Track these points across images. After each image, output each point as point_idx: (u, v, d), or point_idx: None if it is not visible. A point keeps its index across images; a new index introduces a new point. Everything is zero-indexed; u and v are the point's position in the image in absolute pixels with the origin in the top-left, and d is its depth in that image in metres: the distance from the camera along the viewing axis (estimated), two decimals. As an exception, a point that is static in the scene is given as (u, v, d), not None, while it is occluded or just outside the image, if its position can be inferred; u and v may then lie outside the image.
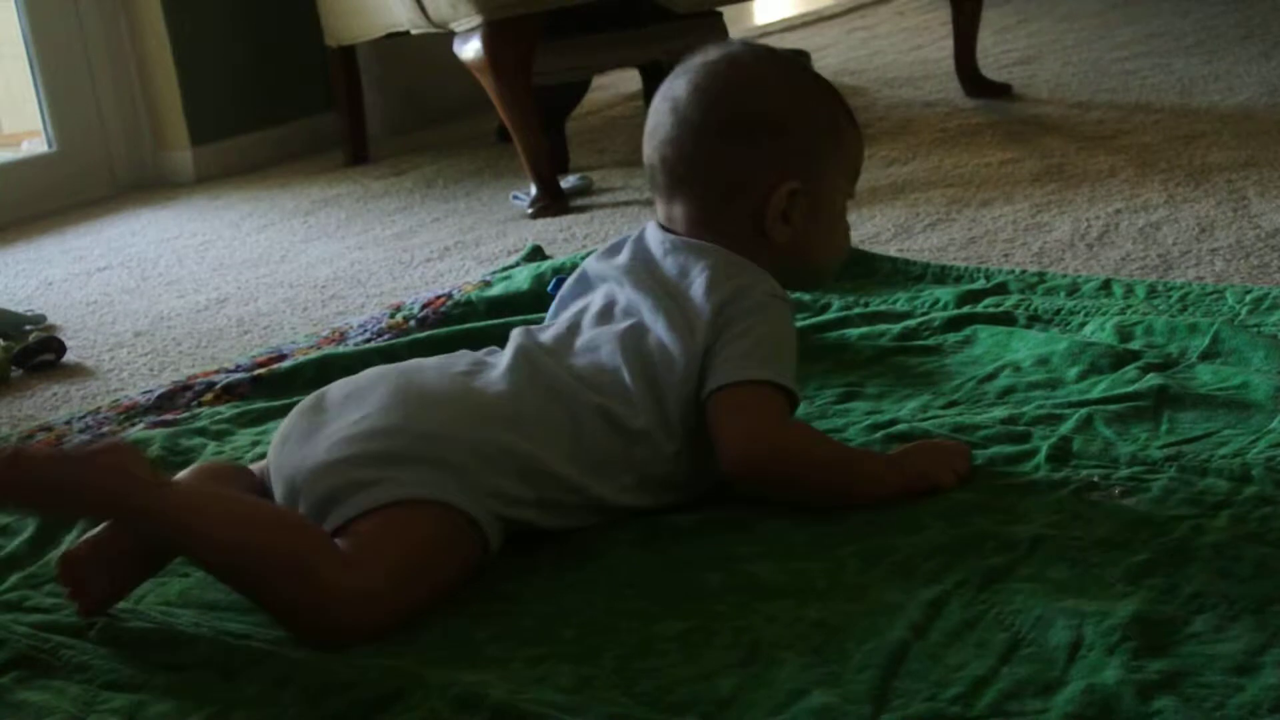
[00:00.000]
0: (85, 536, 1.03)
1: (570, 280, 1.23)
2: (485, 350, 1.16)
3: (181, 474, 1.11)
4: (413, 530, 0.99)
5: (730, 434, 1.07)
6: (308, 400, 1.10)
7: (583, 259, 1.71)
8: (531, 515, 1.05)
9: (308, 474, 1.03)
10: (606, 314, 1.15)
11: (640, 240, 1.20)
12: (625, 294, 1.15)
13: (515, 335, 1.15)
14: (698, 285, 1.12)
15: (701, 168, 1.17)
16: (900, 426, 1.20)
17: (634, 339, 1.11)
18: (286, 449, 1.06)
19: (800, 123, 1.17)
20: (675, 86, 1.20)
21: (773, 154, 1.16)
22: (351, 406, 1.07)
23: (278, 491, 1.06)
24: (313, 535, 0.99)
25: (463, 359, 1.14)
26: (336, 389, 1.10)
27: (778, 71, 1.20)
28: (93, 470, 0.97)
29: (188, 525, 0.97)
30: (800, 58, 3.02)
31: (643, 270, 1.16)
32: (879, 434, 1.19)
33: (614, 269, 1.18)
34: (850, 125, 1.21)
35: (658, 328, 1.11)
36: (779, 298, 1.13)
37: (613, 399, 1.08)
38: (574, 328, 1.15)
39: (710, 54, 1.20)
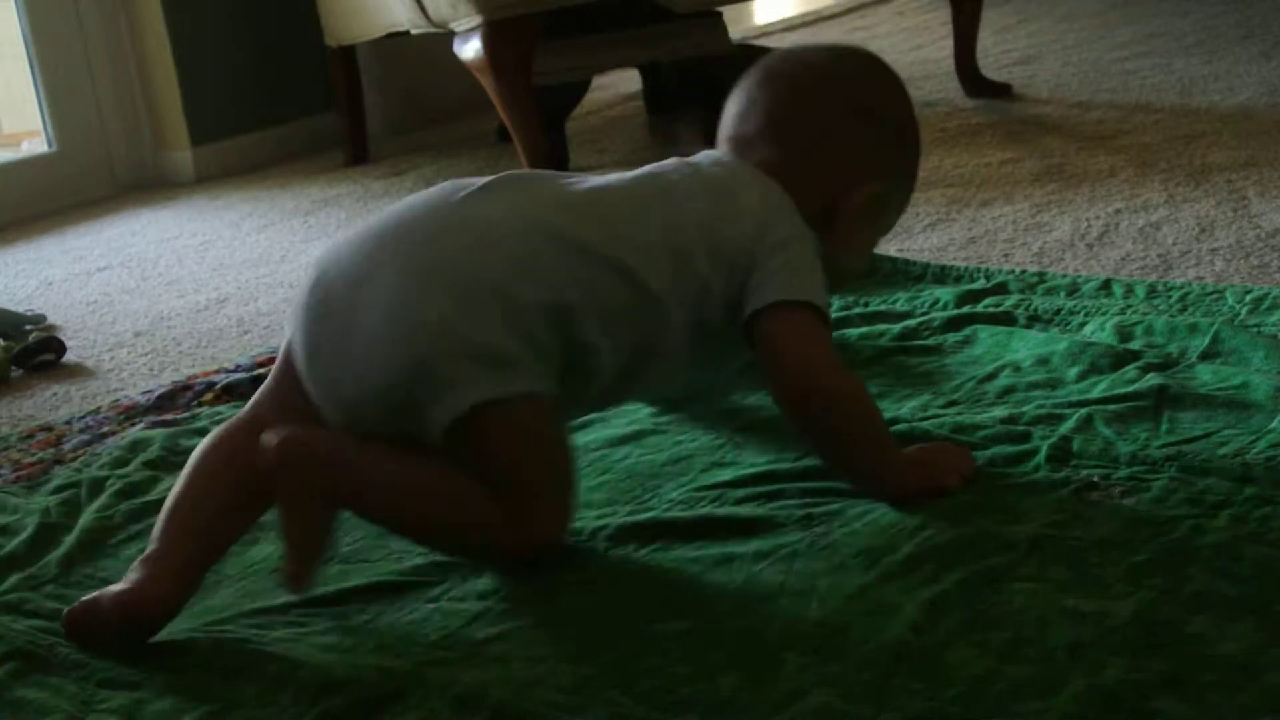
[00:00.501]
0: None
1: None
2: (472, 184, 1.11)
3: (197, 456, 1.07)
4: (526, 444, 1.01)
5: (793, 360, 1.07)
6: (310, 299, 1.04)
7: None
8: (590, 331, 1.05)
9: (371, 396, 1.01)
10: (630, 178, 1.15)
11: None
12: (658, 174, 1.15)
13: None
14: (743, 191, 1.12)
15: (814, 129, 1.16)
16: (900, 426, 1.19)
17: (663, 200, 1.11)
18: (323, 366, 1.03)
19: (910, 143, 1.21)
20: (812, 54, 1.22)
21: (881, 154, 1.19)
22: (366, 293, 1.02)
23: (330, 410, 1.03)
24: (468, 506, 1.01)
25: (455, 194, 1.10)
26: (332, 274, 1.05)
27: (907, 93, 1.23)
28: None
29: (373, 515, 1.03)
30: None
31: (683, 166, 1.16)
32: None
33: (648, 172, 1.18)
34: (916, 176, 1.25)
35: (691, 202, 1.11)
36: (814, 241, 1.13)
37: (630, 255, 1.07)
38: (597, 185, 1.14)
39: (848, 50, 1.24)
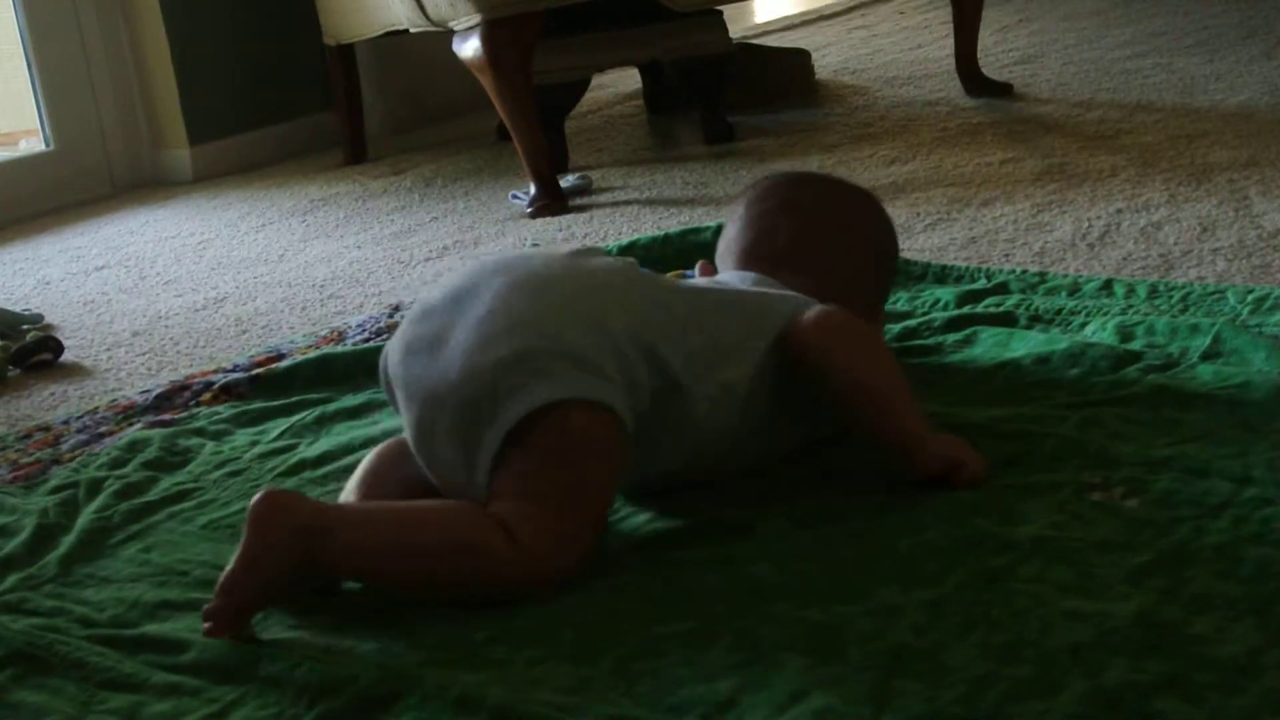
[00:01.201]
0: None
1: None
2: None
3: (355, 482, 1.10)
4: (572, 464, 1.00)
5: (814, 311, 1.13)
6: (415, 312, 1.09)
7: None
8: (684, 374, 1.06)
9: (451, 387, 1.01)
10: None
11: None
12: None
13: None
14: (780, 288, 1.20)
15: (842, 264, 1.28)
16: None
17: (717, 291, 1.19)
18: (412, 365, 1.05)
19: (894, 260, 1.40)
20: (817, 199, 1.34)
21: (884, 287, 1.38)
22: (468, 306, 1.05)
23: (410, 412, 1.04)
24: (475, 539, 0.98)
25: (561, 249, 1.18)
26: (440, 293, 1.09)
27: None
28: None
29: (360, 571, 1.00)
30: (800, 57, 3.02)
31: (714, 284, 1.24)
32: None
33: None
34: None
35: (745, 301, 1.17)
36: None
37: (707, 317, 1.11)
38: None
39: (845, 184, 1.39)
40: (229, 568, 0.97)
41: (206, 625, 0.97)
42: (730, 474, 1.13)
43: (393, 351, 1.08)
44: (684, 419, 1.07)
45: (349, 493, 1.10)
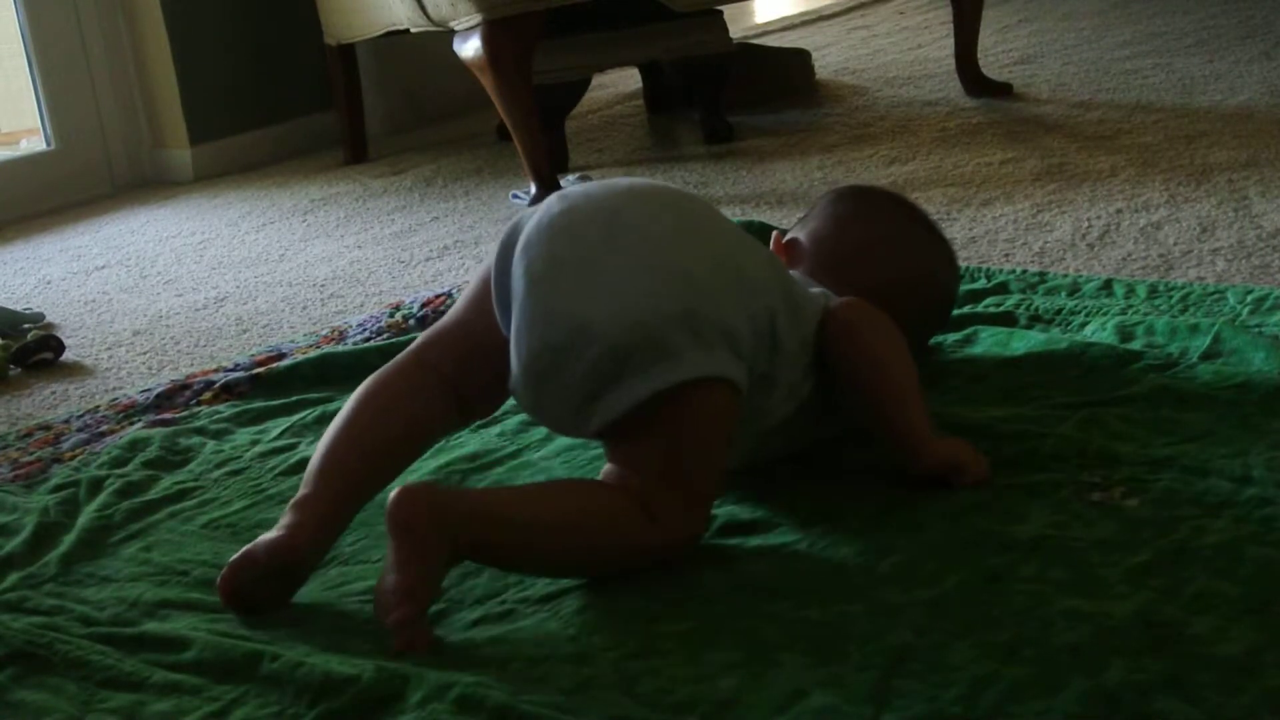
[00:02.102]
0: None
1: None
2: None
3: (343, 429, 1.07)
4: (708, 447, 1.01)
5: (849, 299, 1.13)
6: (560, 220, 1.04)
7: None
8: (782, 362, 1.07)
9: (611, 323, 0.99)
10: None
11: None
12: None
13: None
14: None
15: (909, 305, 1.25)
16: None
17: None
18: (561, 279, 1.01)
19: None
20: (897, 229, 1.33)
21: (922, 339, 1.36)
22: (623, 235, 1.02)
23: (544, 330, 1.01)
24: (617, 519, 0.99)
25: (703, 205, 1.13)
26: (584, 207, 1.05)
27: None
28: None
29: (511, 560, 1.00)
30: (800, 57, 3.02)
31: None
32: (879, 434, 1.19)
33: None
34: None
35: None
36: None
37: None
38: None
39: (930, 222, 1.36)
40: (393, 577, 0.93)
41: (402, 637, 0.93)
42: (767, 461, 1.14)
43: (533, 254, 1.03)
44: (763, 405, 1.07)
45: (333, 438, 1.06)
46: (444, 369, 1.09)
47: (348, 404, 1.09)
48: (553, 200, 1.07)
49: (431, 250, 2.11)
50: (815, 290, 1.17)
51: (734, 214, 2.04)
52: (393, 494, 0.94)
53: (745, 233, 1.12)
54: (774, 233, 1.35)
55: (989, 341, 1.38)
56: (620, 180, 1.09)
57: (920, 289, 1.30)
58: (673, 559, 1.01)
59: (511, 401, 1.11)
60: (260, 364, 1.59)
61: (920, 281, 1.30)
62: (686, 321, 0.99)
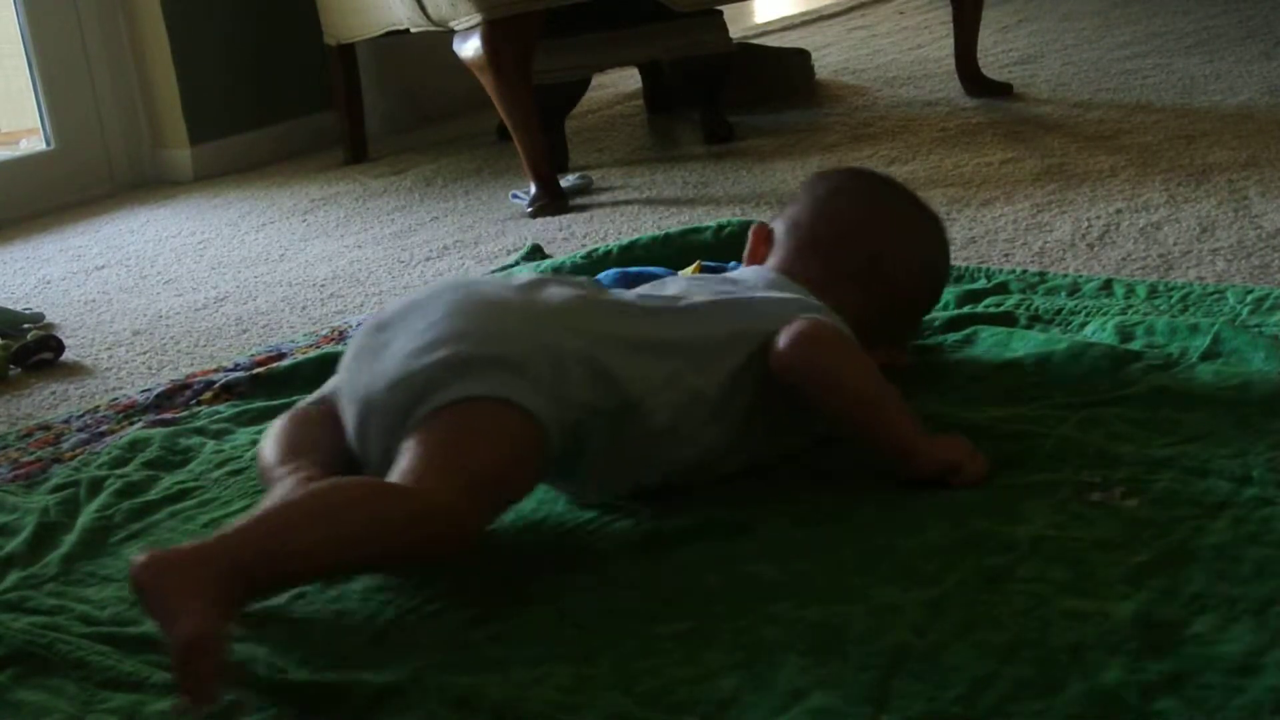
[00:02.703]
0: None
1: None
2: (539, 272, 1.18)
3: (269, 441, 1.11)
4: (479, 436, 1.01)
5: (793, 324, 1.11)
6: (369, 322, 1.12)
7: (583, 258, 1.71)
8: (601, 425, 1.06)
9: (382, 390, 1.04)
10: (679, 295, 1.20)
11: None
12: (701, 289, 1.21)
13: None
14: (788, 292, 1.19)
15: (897, 303, 1.27)
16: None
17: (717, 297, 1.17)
18: (356, 369, 1.08)
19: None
20: (878, 215, 1.31)
21: (916, 326, 1.37)
22: (414, 318, 1.08)
23: (350, 412, 1.08)
24: (372, 497, 0.98)
25: (519, 277, 1.17)
26: (395, 306, 1.12)
27: (948, 256, 1.36)
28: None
29: (283, 573, 0.96)
30: (800, 57, 3.02)
31: (722, 283, 1.23)
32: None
33: (690, 281, 1.25)
34: None
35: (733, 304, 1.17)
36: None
37: (680, 320, 1.12)
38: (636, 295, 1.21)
39: (915, 199, 1.34)
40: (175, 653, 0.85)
41: (183, 705, 0.85)
42: (724, 475, 1.13)
43: (342, 362, 1.12)
44: (645, 433, 1.08)
45: (269, 454, 1.10)
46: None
47: (274, 434, 1.12)
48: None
49: (431, 250, 2.11)
50: (773, 297, 1.16)
51: (734, 214, 2.04)
52: (140, 562, 0.89)
53: (580, 300, 1.11)
54: (754, 224, 1.35)
55: (989, 341, 1.38)
56: (450, 278, 1.14)
57: (906, 265, 1.29)
58: (450, 537, 0.98)
59: None
60: (260, 364, 1.59)
61: (906, 258, 1.29)
62: (451, 364, 1.03)
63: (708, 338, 1.11)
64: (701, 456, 1.11)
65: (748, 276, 1.25)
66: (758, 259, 1.31)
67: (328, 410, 1.13)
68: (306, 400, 1.17)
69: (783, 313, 1.14)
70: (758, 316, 1.14)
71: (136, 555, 0.89)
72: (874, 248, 1.27)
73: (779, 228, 1.31)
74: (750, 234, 1.34)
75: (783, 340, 1.10)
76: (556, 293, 1.12)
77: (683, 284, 1.22)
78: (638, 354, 1.09)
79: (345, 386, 1.09)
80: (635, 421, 1.07)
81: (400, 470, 1.00)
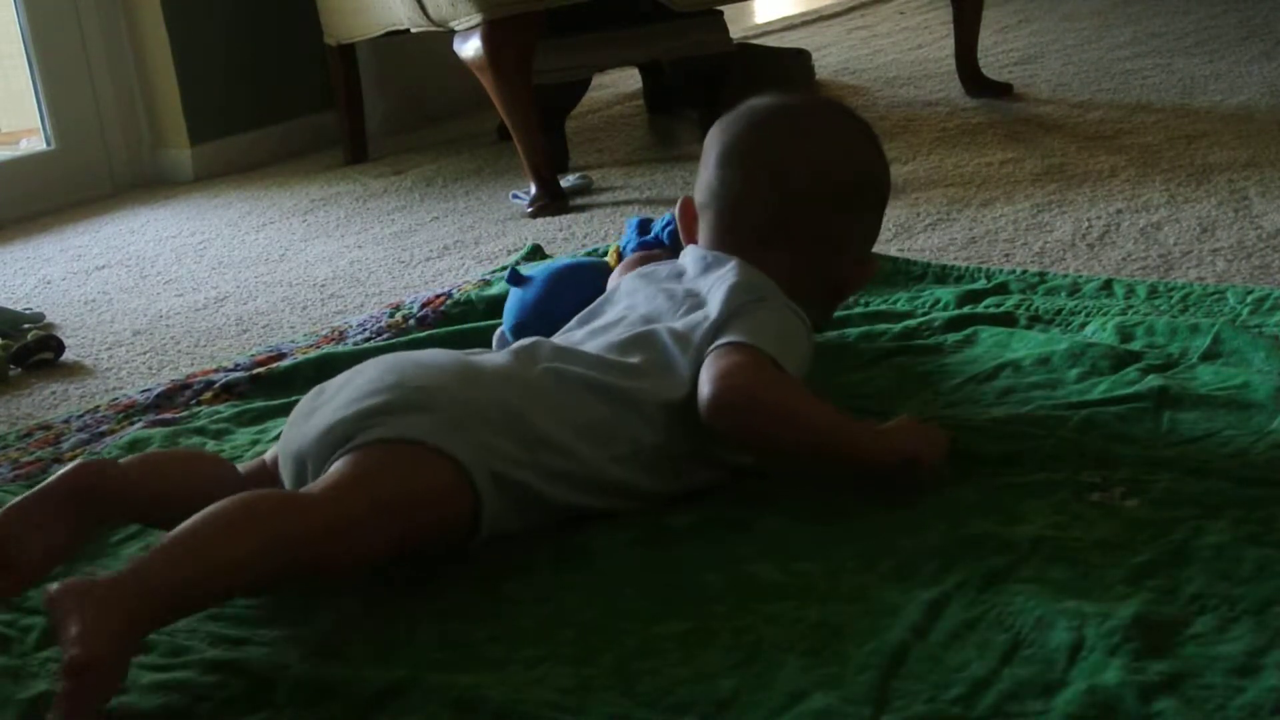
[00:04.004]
0: (10, 504, 1.01)
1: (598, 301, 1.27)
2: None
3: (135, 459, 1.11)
4: (390, 468, 1.00)
5: (712, 377, 1.08)
6: (312, 389, 1.12)
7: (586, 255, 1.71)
8: (530, 478, 1.05)
9: (311, 443, 1.05)
10: (620, 320, 1.19)
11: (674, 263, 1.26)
12: (646, 299, 1.20)
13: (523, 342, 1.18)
14: (722, 281, 1.16)
15: (819, 229, 1.24)
16: (900, 426, 1.19)
17: (646, 330, 1.15)
18: (292, 430, 1.09)
19: (887, 193, 1.30)
20: (766, 139, 1.26)
21: (875, 229, 1.30)
22: (352, 381, 1.09)
23: (286, 471, 1.08)
24: (270, 504, 0.98)
25: (461, 352, 1.17)
26: (338, 376, 1.12)
27: (869, 137, 1.29)
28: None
29: (191, 597, 0.94)
30: (800, 57, 3.02)
31: (669, 278, 1.22)
32: (879, 434, 1.19)
33: (640, 280, 1.24)
34: None
35: (673, 320, 1.15)
36: (799, 316, 1.17)
37: (609, 372, 1.10)
38: (586, 331, 1.20)
39: (798, 106, 1.31)
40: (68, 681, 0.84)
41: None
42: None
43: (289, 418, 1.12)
44: (594, 479, 1.07)
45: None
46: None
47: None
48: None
49: (431, 250, 2.11)
50: (682, 330, 1.13)
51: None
52: (49, 597, 0.88)
53: (517, 377, 1.10)
54: (683, 198, 1.32)
55: (989, 341, 1.38)
56: (373, 360, 1.14)
57: (815, 172, 1.23)
58: (329, 548, 0.96)
59: None
60: (260, 364, 1.59)
61: (812, 166, 1.23)
62: (376, 411, 1.03)
63: (637, 393, 1.09)
64: (642, 493, 1.10)
65: (689, 268, 1.23)
66: (691, 237, 1.29)
67: (272, 469, 1.12)
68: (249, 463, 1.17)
69: (694, 352, 1.11)
70: (682, 356, 1.12)
71: (50, 585, 0.88)
72: (777, 189, 1.22)
73: (698, 199, 1.28)
74: (678, 212, 1.31)
75: (707, 410, 1.07)
76: (496, 363, 1.12)
77: (622, 304, 1.21)
78: (563, 417, 1.07)
79: (282, 446, 1.09)
80: (564, 468, 1.06)
81: (305, 488, 1.02)
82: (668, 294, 1.20)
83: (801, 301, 1.19)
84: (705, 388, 1.08)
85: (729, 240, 1.24)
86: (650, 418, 1.09)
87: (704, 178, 1.28)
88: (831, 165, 1.25)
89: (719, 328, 1.12)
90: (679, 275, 1.23)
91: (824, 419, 1.09)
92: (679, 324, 1.15)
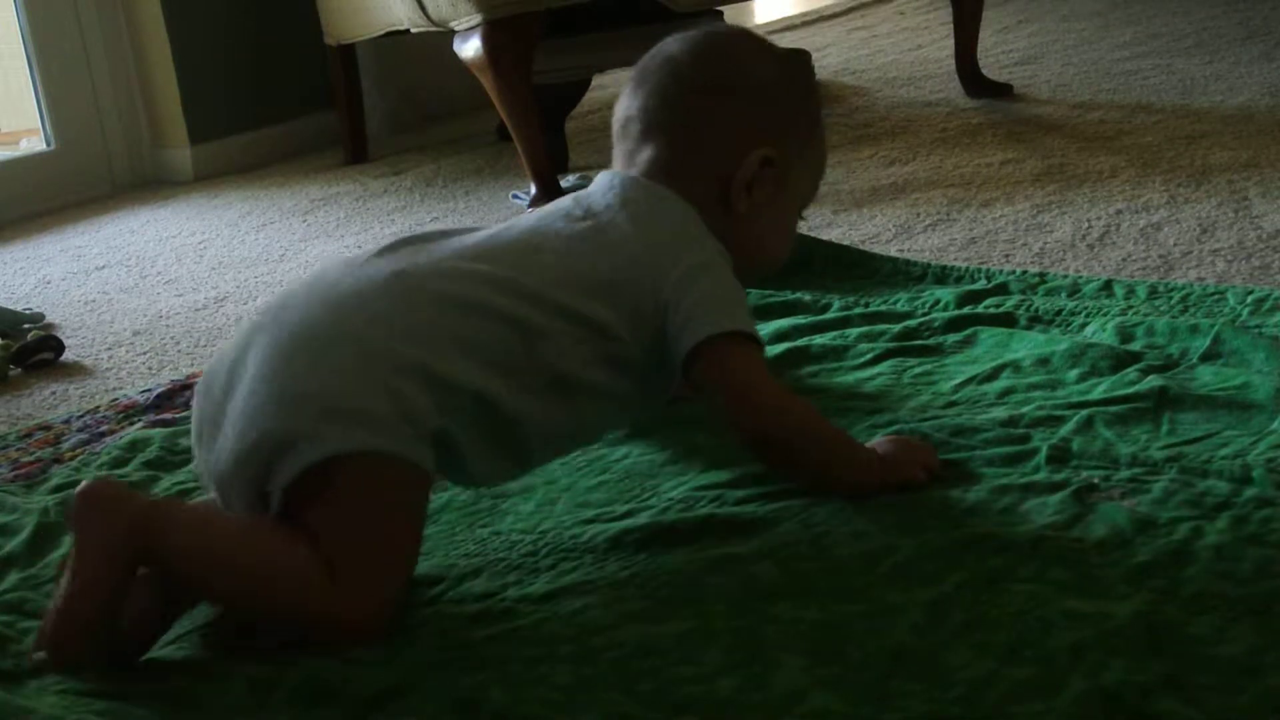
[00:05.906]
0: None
1: None
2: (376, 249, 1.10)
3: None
4: (369, 508, 0.96)
5: (738, 401, 1.08)
6: (198, 388, 1.05)
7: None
8: (484, 387, 1.01)
9: (232, 467, 0.98)
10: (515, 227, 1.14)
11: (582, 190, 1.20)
12: (544, 227, 1.14)
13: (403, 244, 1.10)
14: (639, 227, 1.12)
15: (682, 116, 1.18)
16: (899, 427, 1.19)
17: (554, 248, 1.10)
18: (201, 448, 1.02)
19: (786, 98, 1.21)
20: (669, 45, 1.22)
21: (755, 118, 1.17)
22: (238, 378, 1.00)
23: (210, 487, 1.02)
24: (290, 568, 0.95)
25: (333, 276, 1.06)
26: (214, 363, 1.04)
27: (775, 51, 1.24)
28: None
29: (190, 579, 0.96)
30: (800, 57, 3.02)
31: (574, 205, 1.16)
32: (878, 434, 1.19)
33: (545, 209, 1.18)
34: (822, 131, 1.24)
35: (582, 240, 1.11)
36: (723, 255, 1.13)
37: (509, 296, 1.05)
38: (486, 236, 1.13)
39: (711, 28, 1.26)
40: (63, 582, 0.92)
41: (39, 656, 0.92)
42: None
43: (191, 438, 1.05)
44: (505, 419, 1.03)
45: None
46: None
47: None
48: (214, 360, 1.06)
49: (431, 250, 2.11)
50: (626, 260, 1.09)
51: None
52: (82, 485, 0.95)
53: (402, 299, 1.03)
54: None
55: (989, 342, 1.38)
56: (273, 297, 1.05)
57: (685, 76, 1.19)
58: (343, 631, 0.95)
59: None
60: (260, 364, 1.58)
61: (704, 82, 1.18)
62: (286, 433, 0.96)
63: (546, 301, 1.05)
64: (571, 429, 1.09)
65: (599, 190, 1.18)
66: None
67: None
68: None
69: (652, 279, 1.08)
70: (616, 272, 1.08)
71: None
72: (644, 88, 1.19)
73: (619, 139, 1.25)
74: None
75: (740, 427, 1.08)
76: (371, 286, 1.03)
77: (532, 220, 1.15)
78: (466, 351, 1.02)
79: (199, 467, 1.04)
80: (490, 411, 1.02)
81: (320, 559, 0.95)
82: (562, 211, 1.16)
83: (696, 203, 1.14)
84: (728, 415, 1.08)
85: (620, 158, 1.21)
86: (569, 347, 1.05)
87: (626, 103, 1.24)
88: (697, 58, 1.21)
89: (674, 309, 1.08)
90: (590, 214, 1.17)
91: (845, 446, 1.10)
92: (600, 287, 1.08)
